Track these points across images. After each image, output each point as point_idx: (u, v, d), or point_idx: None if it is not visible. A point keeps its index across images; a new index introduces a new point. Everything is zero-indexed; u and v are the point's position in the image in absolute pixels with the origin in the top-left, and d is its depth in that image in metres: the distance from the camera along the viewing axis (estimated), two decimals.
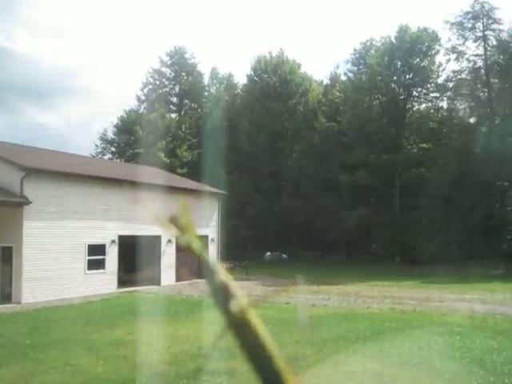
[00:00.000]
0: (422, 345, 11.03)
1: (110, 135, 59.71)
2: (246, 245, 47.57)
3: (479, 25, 45.10)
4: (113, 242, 24.52)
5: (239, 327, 1.31)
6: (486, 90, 44.86)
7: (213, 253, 30.97)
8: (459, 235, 38.50)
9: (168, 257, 27.75)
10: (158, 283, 26.96)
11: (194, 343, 11.74)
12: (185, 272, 27.98)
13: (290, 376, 1.33)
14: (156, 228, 26.48)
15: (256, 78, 56.33)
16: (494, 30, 44.92)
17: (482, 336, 11.99)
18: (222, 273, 1.35)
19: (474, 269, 33.00)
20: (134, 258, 24.79)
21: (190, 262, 28.03)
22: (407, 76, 48.44)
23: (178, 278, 27.97)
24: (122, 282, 24.65)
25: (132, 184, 25.97)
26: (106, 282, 23.84)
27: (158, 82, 60.85)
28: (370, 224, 42.87)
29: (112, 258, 24.50)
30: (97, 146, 59.82)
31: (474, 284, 25.68)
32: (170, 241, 27.57)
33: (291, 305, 18.57)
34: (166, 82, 61.10)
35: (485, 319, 14.79)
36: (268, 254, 46.03)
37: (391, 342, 11.37)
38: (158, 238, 27.15)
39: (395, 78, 48.42)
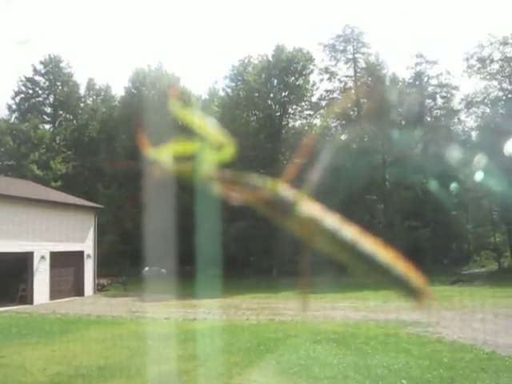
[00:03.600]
0: (301, 353, 11.40)
1: None
2: (125, 260, 46.42)
3: (350, 48, 48.17)
4: None
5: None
6: (356, 109, 47.61)
7: (89, 270, 29.95)
8: None
9: (41, 274, 26.38)
10: (31, 302, 25.49)
11: (70, 363, 11.28)
12: (60, 290, 26.82)
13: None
14: (28, 243, 25.30)
15: (134, 91, 55.41)
16: (363, 54, 48.30)
17: (357, 342, 12.62)
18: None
19: (346, 278, 34.52)
20: (3, 276, 23.37)
21: (66, 279, 26.94)
22: (283, 93, 50.02)
23: (53, 296, 26.59)
24: None
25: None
26: None
27: (30, 91, 58.03)
28: (248, 237, 43.49)
29: None
30: None
31: (347, 293, 26.93)
32: (43, 257, 26.32)
33: (171, 319, 18.48)
34: (40, 92, 58.43)
35: (358, 326, 15.57)
36: (146, 269, 45.11)
37: (271, 352, 11.64)
38: (30, 254, 25.79)
39: (272, 95, 49.82)
